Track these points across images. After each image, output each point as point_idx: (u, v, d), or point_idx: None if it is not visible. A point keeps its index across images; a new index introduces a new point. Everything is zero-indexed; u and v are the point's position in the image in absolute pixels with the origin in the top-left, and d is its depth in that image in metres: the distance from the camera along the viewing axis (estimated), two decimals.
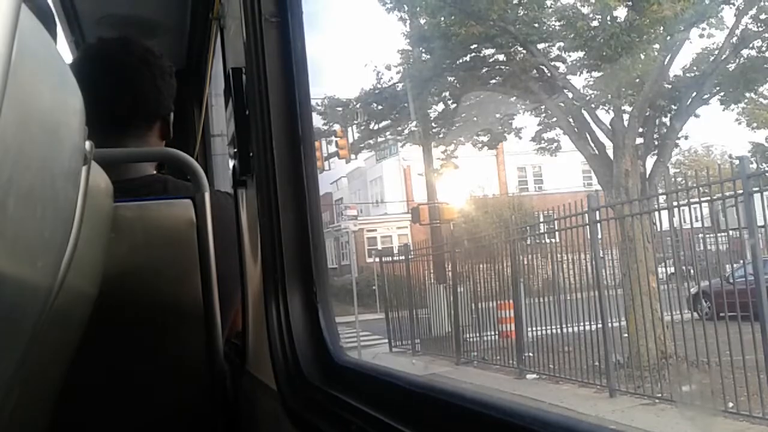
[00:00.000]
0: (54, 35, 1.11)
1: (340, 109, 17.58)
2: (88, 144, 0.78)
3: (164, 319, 1.51)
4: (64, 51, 2.69)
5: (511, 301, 10.54)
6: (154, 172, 1.77)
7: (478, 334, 11.56)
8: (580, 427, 0.58)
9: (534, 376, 9.49)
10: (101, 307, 1.11)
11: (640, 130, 10.17)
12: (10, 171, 0.51)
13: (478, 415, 0.66)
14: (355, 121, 17.65)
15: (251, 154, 1.28)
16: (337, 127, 17.96)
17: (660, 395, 7.39)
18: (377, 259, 16.92)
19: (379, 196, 28.12)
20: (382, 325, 14.47)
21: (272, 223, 1.18)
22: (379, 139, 18.36)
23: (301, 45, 1.20)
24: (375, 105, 17.18)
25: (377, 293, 17.27)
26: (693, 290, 8.28)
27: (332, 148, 18.11)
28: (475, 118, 14.84)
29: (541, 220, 10.56)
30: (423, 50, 14.03)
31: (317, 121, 18.03)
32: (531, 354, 9.88)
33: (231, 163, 1.44)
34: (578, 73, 11.55)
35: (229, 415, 1.56)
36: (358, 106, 17.51)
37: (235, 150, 1.36)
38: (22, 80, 0.52)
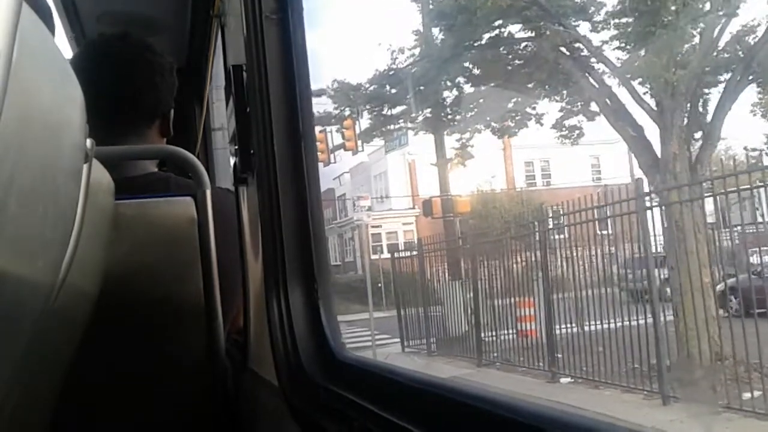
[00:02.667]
0: (52, 30, 1.11)
1: (351, 93, 16.85)
2: (89, 142, 0.78)
3: (165, 317, 1.51)
4: (64, 48, 2.68)
5: (531, 298, 9.86)
6: (155, 169, 1.76)
7: (497, 333, 10.72)
8: (582, 423, 0.58)
9: (568, 379, 8.58)
10: (102, 305, 1.11)
11: (688, 108, 9.24)
12: (11, 169, 0.51)
13: (481, 412, 0.66)
14: (367, 106, 16.64)
15: (252, 151, 1.28)
16: (347, 112, 17.14)
17: (724, 403, 6.27)
18: (382, 256, 16.81)
19: (383, 191, 27.71)
20: (389, 323, 13.83)
21: (273, 220, 1.18)
22: (391, 127, 17.32)
23: (301, 42, 1.20)
24: (388, 89, 16.07)
25: (383, 290, 16.88)
26: (720, 287, 7.72)
27: (338, 140, 17.29)
28: (494, 104, 13.92)
29: (569, 209, 9.29)
30: (441, 28, 13.07)
31: (328, 106, 17.23)
32: (559, 355, 9.00)
33: (232, 161, 1.44)
34: (617, 48, 10.44)
35: (230, 412, 1.56)
36: (371, 89, 16.43)
37: (236, 147, 1.36)
38: (23, 78, 0.52)
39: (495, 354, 10.70)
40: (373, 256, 21.27)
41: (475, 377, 9.49)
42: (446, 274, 13.19)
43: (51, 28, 1.07)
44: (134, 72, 1.68)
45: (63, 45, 2.64)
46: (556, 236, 9.90)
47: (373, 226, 24.21)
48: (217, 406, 1.56)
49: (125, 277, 1.39)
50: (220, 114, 3.07)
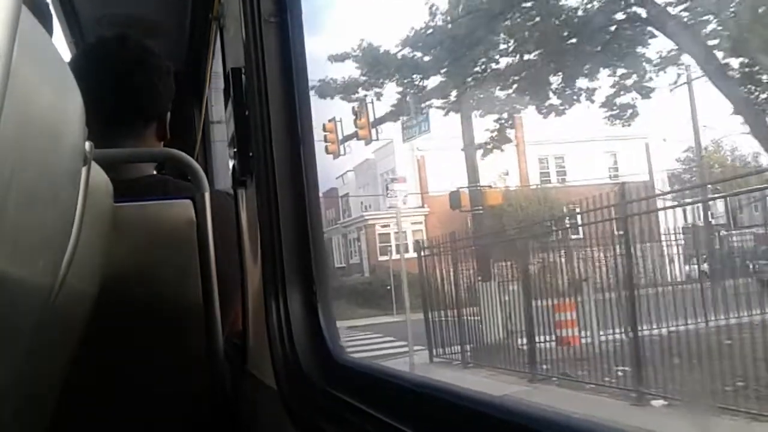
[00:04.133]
0: (50, 31, 1.11)
1: (378, 59, 14.48)
2: (88, 144, 0.79)
3: (164, 319, 1.51)
4: (64, 51, 2.69)
5: (574, 300, 8.65)
6: (154, 172, 1.77)
7: (545, 340, 8.99)
8: (579, 426, 0.58)
9: (661, 402, 6.44)
10: (101, 307, 1.11)
11: None
12: (10, 171, 0.51)
13: (479, 414, 0.66)
14: (396, 76, 14.18)
15: (251, 154, 1.28)
16: (359, 96, 15.03)
17: None
18: (393, 256, 15.83)
19: (392, 189, 26.52)
20: (402, 328, 12.43)
21: (272, 223, 1.18)
22: (422, 105, 14.40)
23: (300, 45, 1.20)
24: (421, 55, 13.63)
25: (393, 294, 15.79)
26: None
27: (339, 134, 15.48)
28: (539, 76, 11.68)
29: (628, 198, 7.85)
30: None
31: (353, 72, 15.19)
32: (624, 368, 7.31)
33: (231, 164, 1.44)
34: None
35: (229, 414, 1.56)
36: (401, 54, 13.89)
37: (235, 150, 1.36)
38: (23, 80, 0.52)
39: (545, 366, 8.71)
40: (383, 258, 20.37)
41: (535, 396, 7.60)
42: (478, 274, 11.50)
43: (49, 28, 1.07)
44: (131, 74, 1.68)
45: (63, 48, 2.64)
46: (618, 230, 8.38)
47: (381, 226, 23.13)
48: (215, 409, 1.56)
49: (124, 279, 1.39)
50: (219, 116, 3.07)
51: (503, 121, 13.45)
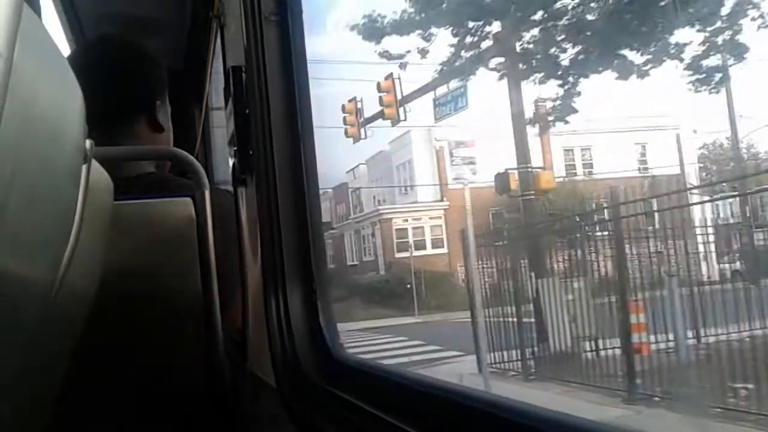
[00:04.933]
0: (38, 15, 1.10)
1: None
2: (88, 142, 0.79)
3: (164, 317, 1.52)
4: (64, 49, 2.69)
5: (646, 298, 6.94)
6: (154, 170, 1.77)
7: (620, 347, 7.08)
8: (579, 425, 0.59)
9: None
10: (101, 305, 1.11)
11: None
12: (11, 169, 0.51)
13: (479, 412, 0.66)
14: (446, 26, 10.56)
15: (251, 152, 1.28)
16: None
17: None
18: (417, 253, 14.88)
19: (407, 182, 23.36)
20: (428, 330, 11.31)
21: (272, 221, 1.18)
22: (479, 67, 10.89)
23: (301, 43, 1.21)
24: None
25: (414, 292, 14.77)
26: None
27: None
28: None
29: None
30: None
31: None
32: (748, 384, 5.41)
33: (231, 162, 1.44)
34: None
35: (229, 412, 1.57)
36: None
37: (235, 148, 1.36)
38: (24, 79, 0.52)
39: (639, 380, 6.62)
40: (400, 254, 19.12)
41: (650, 425, 5.44)
42: (533, 269, 9.61)
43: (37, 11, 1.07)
44: (114, 65, 1.68)
45: (63, 47, 2.64)
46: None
47: (397, 221, 21.38)
48: (215, 407, 1.56)
49: (124, 277, 1.40)
50: (220, 117, 3.07)
51: (569, 87, 10.03)
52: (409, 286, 15.29)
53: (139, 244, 1.49)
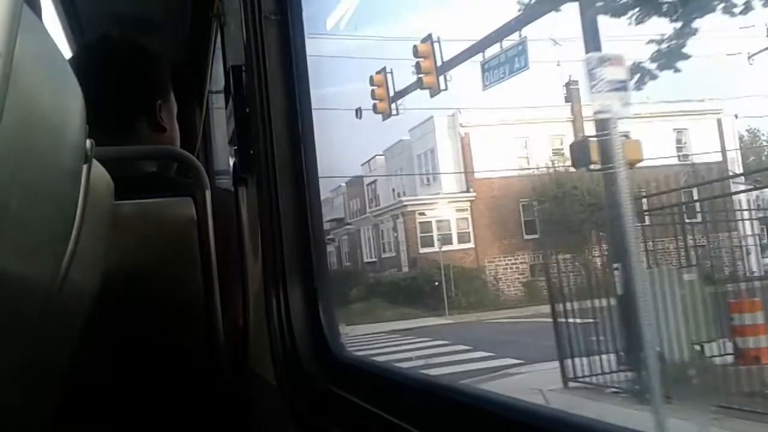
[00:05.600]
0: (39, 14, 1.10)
1: None
2: (88, 142, 0.79)
3: (165, 317, 1.52)
4: (64, 50, 2.69)
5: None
6: (155, 170, 1.77)
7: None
8: (579, 423, 0.59)
9: None
10: (102, 305, 1.12)
11: None
12: (12, 170, 0.51)
13: (479, 411, 0.66)
14: None
15: (251, 151, 1.28)
16: None
17: None
18: (444, 248, 13.73)
19: (431, 173, 21.10)
20: (465, 332, 10.03)
21: (272, 221, 1.18)
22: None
23: (301, 43, 1.21)
24: None
25: (444, 290, 13.43)
26: None
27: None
28: None
29: None
30: None
31: None
32: None
33: (231, 161, 1.44)
34: None
35: (230, 411, 1.57)
36: None
37: (236, 148, 1.36)
38: (24, 79, 0.52)
39: None
40: (425, 249, 17.64)
41: None
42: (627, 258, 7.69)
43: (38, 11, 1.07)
44: (114, 65, 1.68)
45: (63, 47, 2.65)
46: None
47: (421, 214, 19.33)
48: (216, 406, 1.56)
49: (125, 277, 1.40)
50: (220, 117, 3.07)
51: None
52: (437, 283, 14.04)
53: (140, 244, 1.49)
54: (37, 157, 0.59)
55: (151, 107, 1.73)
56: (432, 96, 11.67)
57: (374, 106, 12.15)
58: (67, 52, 2.51)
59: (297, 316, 1.14)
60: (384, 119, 12.47)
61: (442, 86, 11.27)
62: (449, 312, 12.50)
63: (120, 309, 1.34)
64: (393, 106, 12.12)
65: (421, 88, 11.54)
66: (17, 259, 0.58)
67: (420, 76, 11.20)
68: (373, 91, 12.13)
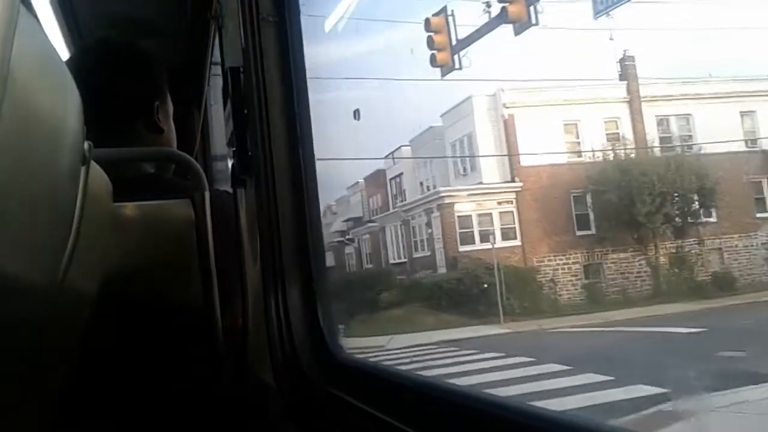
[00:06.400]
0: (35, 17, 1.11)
1: None
2: (86, 144, 0.79)
3: (164, 318, 1.52)
4: (62, 51, 2.69)
5: None
6: (153, 171, 1.76)
7: None
8: (578, 424, 0.59)
9: None
10: (101, 307, 1.12)
11: None
12: (10, 171, 0.51)
13: (477, 412, 0.66)
14: None
15: (250, 153, 1.28)
16: None
17: None
18: (494, 245, 12.26)
19: (467, 162, 17.98)
20: (534, 344, 8.11)
21: (271, 222, 1.18)
22: None
23: (299, 44, 1.21)
24: None
25: (498, 295, 11.64)
26: None
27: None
28: None
29: None
30: None
31: None
32: None
33: (230, 163, 1.44)
34: None
35: (229, 412, 1.57)
36: None
37: (234, 149, 1.36)
38: (22, 81, 0.52)
39: None
40: (465, 247, 15.43)
41: None
42: None
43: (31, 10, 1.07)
44: (111, 67, 1.68)
45: (61, 49, 2.65)
46: None
47: (459, 208, 16.61)
48: (215, 407, 1.56)
49: (124, 278, 1.39)
50: (219, 118, 3.07)
51: None
52: (485, 286, 12.28)
53: (139, 245, 1.49)
54: (36, 158, 0.59)
55: (149, 109, 1.73)
56: (517, 34, 8.54)
57: (432, 57, 9.88)
58: (64, 54, 2.51)
59: (296, 317, 1.14)
60: (444, 74, 10.08)
61: (533, 20, 8.33)
62: (505, 320, 10.82)
63: (119, 310, 1.34)
64: (455, 58, 9.37)
65: (506, 22, 8.60)
66: (16, 260, 0.58)
67: (504, 4, 8.31)
68: (429, 38, 9.81)
